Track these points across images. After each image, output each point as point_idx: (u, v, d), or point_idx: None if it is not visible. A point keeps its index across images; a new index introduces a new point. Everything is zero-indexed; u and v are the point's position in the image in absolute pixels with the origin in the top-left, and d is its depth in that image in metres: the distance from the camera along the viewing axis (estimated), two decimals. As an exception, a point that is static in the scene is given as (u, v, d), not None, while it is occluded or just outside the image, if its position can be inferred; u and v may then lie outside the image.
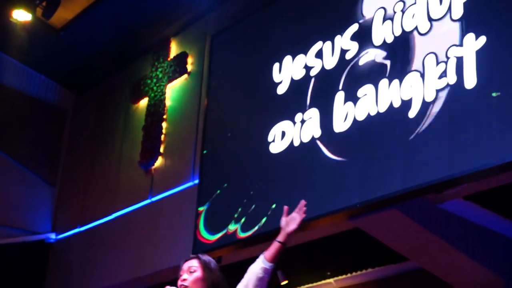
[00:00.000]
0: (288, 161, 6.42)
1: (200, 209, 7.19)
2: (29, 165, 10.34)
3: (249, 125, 7.04)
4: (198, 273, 3.51)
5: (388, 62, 5.84)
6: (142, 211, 8.66)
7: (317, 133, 6.20)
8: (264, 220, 6.37)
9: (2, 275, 9.58)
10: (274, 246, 3.38)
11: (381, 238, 6.23)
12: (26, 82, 10.64)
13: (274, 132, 6.63)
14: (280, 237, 3.39)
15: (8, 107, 10.46)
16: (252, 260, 7.00)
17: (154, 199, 8.56)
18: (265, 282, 3.39)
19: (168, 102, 8.86)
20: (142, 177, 8.86)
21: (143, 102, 9.31)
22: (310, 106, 6.36)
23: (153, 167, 8.72)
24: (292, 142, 6.40)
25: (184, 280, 3.46)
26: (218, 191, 7.09)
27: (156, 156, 8.68)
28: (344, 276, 7.69)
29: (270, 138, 6.66)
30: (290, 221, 3.39)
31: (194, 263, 3.55)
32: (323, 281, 7.96)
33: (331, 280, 7.77)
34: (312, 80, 6.45)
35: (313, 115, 6.30)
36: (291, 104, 6.58)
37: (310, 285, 8.04)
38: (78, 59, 10.21)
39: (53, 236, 10.17)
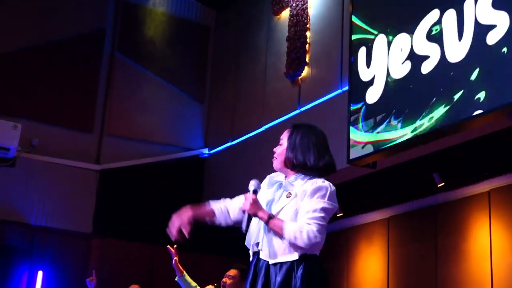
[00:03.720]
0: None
1: (353, 111, 7.17)
2: (178, 84, 10.67)
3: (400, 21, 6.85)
4: (283, 146, 3.55)
5: None
6: (291, 121, 8.73)
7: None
8: (422, 120, 6.25)
9: (163, 189, 10.08)
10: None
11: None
12: (170, 3, 10.86)
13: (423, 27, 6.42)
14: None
15: (154, 29, 10.75)
16: (409, 164, 6.97)
17: (302, 109, 8.59)
18: None
19: (311, 11, 8.76)
20: (289, 88, 8.90)
21: (285, 13, 9.27)
22: None
23: (300, 77, 8.72)
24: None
25: (274, 152, 3.55)
26: (370, 94, 7.02)
27: (302, 66, 8.66)
28: (502, 176, 7.47)
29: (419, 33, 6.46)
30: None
31: (284, 134, 3.58)
32: (480, 183, 7.80)
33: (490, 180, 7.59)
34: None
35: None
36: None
37: (466, 186, 7.89)
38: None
39: (206, 151, 10.53)
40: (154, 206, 9.91)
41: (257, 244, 3.47)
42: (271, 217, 3.34)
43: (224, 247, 9.90)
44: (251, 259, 3.52)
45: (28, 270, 8.92)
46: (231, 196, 10.46)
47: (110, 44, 10.34)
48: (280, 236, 3.31)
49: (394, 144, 6.60)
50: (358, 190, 8.27)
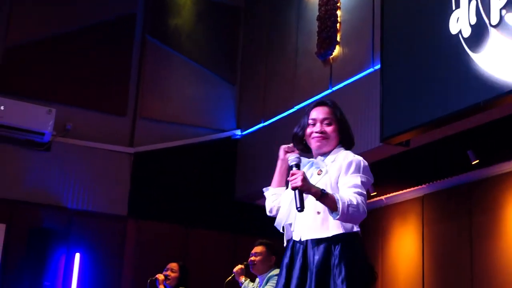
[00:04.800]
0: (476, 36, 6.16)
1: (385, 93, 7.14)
2: (209, 66, 10.69)
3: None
4: (333, 125, 3.49)
5: None
6: (323, 101, 8.70)
7: None
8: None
9: (196, 170, 10.14)
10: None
11: None
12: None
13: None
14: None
15: (184, 11, 10.78)
16: (442, 141, 6.93)
17: (334, 88, 8.55)
18: None
19: (341, -11, 8.71)
20: (321, 68, 8.87)
21: (316, -8, 9.22)
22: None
23: (331, 56, 8.68)
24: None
25: (323, 132, 3.46)
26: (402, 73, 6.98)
27: (333, 45, 8.61)
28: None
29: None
30: None
31: (328, 113, 3.50)
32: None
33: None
34: None
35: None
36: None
37: (501, 163, 7.82)
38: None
39: (238, 132, 10.56)
40: (188, 187, 9.99)
41: (290, 225, 3.45)
42: (323, 192, 3.20)
43: (259, 228, 9.96)
44: (285, 241, 3.50)
45: (66, 253, 9.06)
46: (264, 176, 10.43)
47: (141, 28, 10.38)
48: (331, 209, 3.19)
49: (427, 122, 6.55)
50: (392, 169, 8.24)
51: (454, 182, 8.38)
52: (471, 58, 6.15)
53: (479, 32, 6.09)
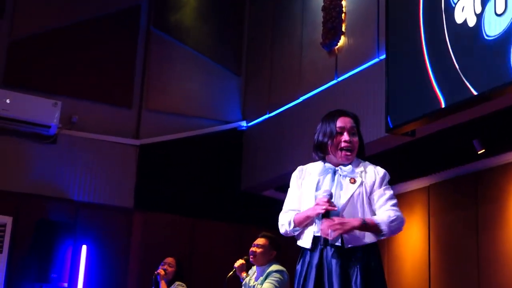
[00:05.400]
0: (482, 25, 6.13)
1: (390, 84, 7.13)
2: (215, 57, 10.68)
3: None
4: (357, 136, 3.63)
5: None
6: (329, 92, 8.70)
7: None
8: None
9: (202, 162, 10.15)
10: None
11: None
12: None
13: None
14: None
15: (189, 3, 10.76)
16: (448, 131, 6.90)
17: (340, 79, 8.54)
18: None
19: (346, -21, 8.69)
20: (326, 58, 8.85)
21: (320, -18, 9.20)
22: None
23: (336, 47, 8.66)
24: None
25: (351, 142, 3.59)
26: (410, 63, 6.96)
27: (339, 36, 8.59)
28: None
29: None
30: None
31: (352, 123, 3.63)
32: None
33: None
34: None
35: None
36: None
37: (507, 152, 7.80)
38: None
39: (244, 123, 10.56)
40: (194, 179, 10.00)
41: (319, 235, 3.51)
42: (364, 221, 3.45)
43: (264, 219, 9.99)
44: (307, 243, 3.55)
45: (72, 245, 9.08)
46: (269, 167, 10.43)
47: (146, 19, 10.38)
48: (375, 233, 3.47)
49: (433, 111, 6.54)
50: (398, 159, 8.23)
51: (460, 172, 8.37)
52: (477, 47, 6.13)
53: (484, 21, 6.06)
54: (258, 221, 9.90)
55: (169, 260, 6.87)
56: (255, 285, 5.48)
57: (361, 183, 3.54)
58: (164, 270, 6.72)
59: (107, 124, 9.73)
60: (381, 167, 3.76)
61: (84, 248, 9.09)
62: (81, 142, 9.46)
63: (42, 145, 9.23)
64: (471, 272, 8.04)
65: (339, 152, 3.60)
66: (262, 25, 10.72)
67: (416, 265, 8.84)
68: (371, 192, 3.55)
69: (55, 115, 9.02)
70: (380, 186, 3.58)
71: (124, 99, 9.97)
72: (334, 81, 8.61)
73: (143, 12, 10.36)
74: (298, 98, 9.33)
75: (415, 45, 6.95)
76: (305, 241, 3.56)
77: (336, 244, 3.45)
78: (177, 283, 6.70)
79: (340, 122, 3.61)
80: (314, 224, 3.52)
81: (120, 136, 9.75)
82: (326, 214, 3.41)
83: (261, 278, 5.57)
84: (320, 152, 3.68)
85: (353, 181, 3.53)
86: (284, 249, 5.65)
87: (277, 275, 5.53)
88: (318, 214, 3.44)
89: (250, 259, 5.66)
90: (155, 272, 6.70)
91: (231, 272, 5.73)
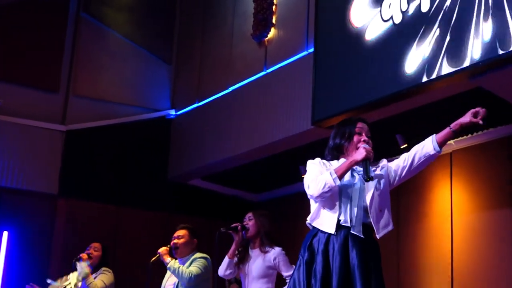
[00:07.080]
0: (411, 24, 6.30)
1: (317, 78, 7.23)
2: (145, 45, 10.61)
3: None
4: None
5: None
6: (257, 83, 8.77)
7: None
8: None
9: (129, 150, 10.08)
10: (446, 132, 3.67)
11: (505, 96, 6.11)
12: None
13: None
14: (452, 124, 3.65)
15: (120, -11, 10.65)
16: (372, 125, 7.03)
17: (269, 70, 8.62)
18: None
19: (278, -29, 8.75)
20: (256, 50, 8.91)
21: (252, -27, 9.24)
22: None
23: (266, 38, 8.74)
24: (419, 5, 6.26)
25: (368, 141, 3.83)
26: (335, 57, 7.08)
27: (269, 28, 8.67)
28: (465, 137, 7.61)
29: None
30: (468, 116, 3.62)
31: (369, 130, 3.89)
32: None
33: (451, 141, 7.71)
34: None
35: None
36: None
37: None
38: None
39: (173, 112, 10.53)
40: (120, 167, 9.93)
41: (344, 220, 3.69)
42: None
43: (191, 207, 10.01)
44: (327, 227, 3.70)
45: (-7, 231, 8.93)
46: (197, 156, 10.37)
47: (76, 4, 10.23)
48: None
49: (358, 105, 6.68)
50: (322, 151, 8.34)
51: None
52: (402, 44, 6.30)
53: (410, 19, 6.23)
54: (184, 210, 9.92)
55: (95, 245, 6.77)
56: (179, 267, 5.51)
57: (378, 176, 3.78)
58: (89, 254, 6.59)
59: (34, 108, 9.56)
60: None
61: (5, 234, 8.93)
62: (6, 127, 9.27)
63: (-35, 129, 9.02)
64: (392, 267, 8.23)
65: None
66: (194, 14, 10.70)
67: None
68: (389, 176, 3.84)
69: (-21, 98, 8.83)
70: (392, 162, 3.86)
71: (51, 84, 9.82)
72: (263, 72, 8.68)
73: (73, -3, 10.22)
74: (227, 88, 9.36)
75: (342, 40, 7.08)
76: (327, 226, 3.69)
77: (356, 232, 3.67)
78: (103, 268, 6.64)
79: (359, 125, 3.90)
80: (335, 210, 3.69)
81: (46, 121, 9.59)
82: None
83: (187, 264, 5.62)
84: (336, 152, 3.91)
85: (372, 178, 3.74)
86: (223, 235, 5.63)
87: (202, 260, 5.61)
88: (365, 156, 3.64)
89: (174, 254, 5.69)
90: (77, 256, 6.57)
91: (155, 257, 5.74)
